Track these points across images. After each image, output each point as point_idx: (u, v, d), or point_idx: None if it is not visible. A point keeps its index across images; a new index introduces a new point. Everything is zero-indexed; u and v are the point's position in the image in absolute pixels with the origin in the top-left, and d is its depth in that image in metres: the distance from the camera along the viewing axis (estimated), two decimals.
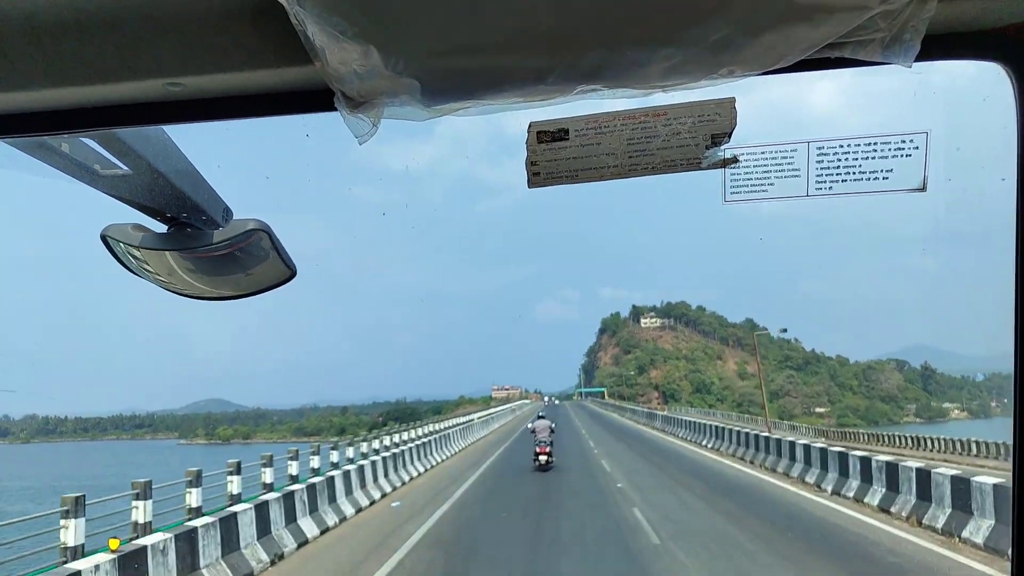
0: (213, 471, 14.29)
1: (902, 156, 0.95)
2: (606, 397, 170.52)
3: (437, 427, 32.90)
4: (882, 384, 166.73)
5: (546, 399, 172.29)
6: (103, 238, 1.30)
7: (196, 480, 12.63)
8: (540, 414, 28.20)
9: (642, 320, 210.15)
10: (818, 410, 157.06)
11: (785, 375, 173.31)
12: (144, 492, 11.14)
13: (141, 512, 10.99)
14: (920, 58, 0.84)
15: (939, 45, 0.90)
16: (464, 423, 40.52)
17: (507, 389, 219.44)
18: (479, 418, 48.25)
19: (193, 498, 12.45)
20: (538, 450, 24.35)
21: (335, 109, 0.95)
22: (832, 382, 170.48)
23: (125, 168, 1.22)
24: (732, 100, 0.96)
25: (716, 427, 34.62)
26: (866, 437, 44.73)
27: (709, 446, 33.07)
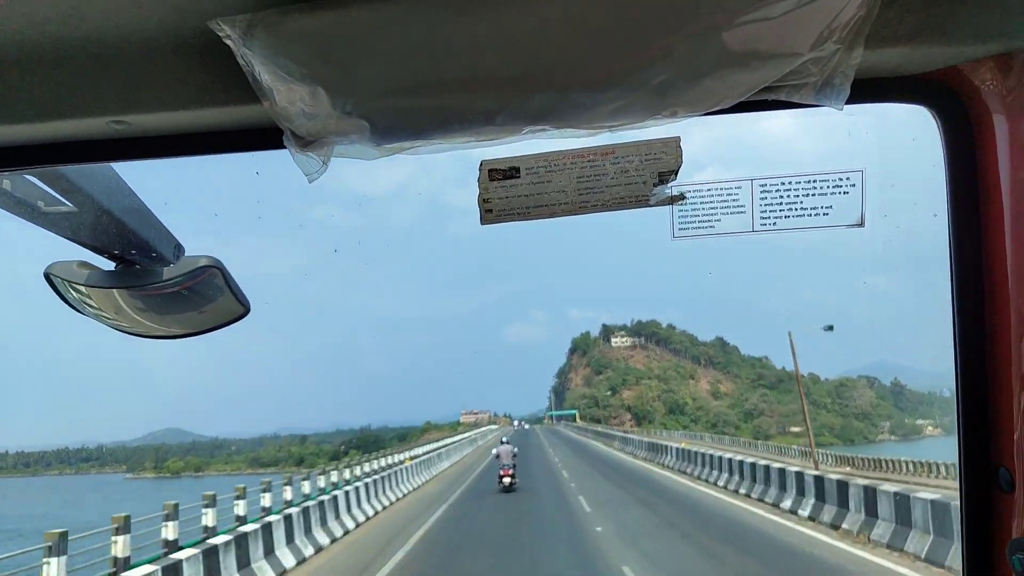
0: (152, 512, 12.83)
1: (840, 193, 1.02)
2: (577, 420, 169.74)
3: (393, 460, 30.31)
4: (855, 401, 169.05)
5: (515, 423, 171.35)
6: (46, 276, 1.30)
7: (124, 526, 11.31)
8: (504, 440, 31.04)
9: (613, 339, 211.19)
10: (793, 429, 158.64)
11: (759, 394, 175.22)
12: (57, 547, 9.86)
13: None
14: (851, 101, 0.91)
15: (868, 89, 0.97)
16: (424, 454, 36.43)
17: (476, 413, 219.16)
18: (435, 451, 40.56)
19: (119, 547, 11.13)
20: (502, 472, 27.23)
21: (284, 147, 0.98)
22: (805, 400, 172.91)
23: (70, 205, 1.22)
24: (677, 139, 1.02)
25: (733, 461, 25.76)
26: (873, 463, 39.06)
27: (727, 487, 24.70)
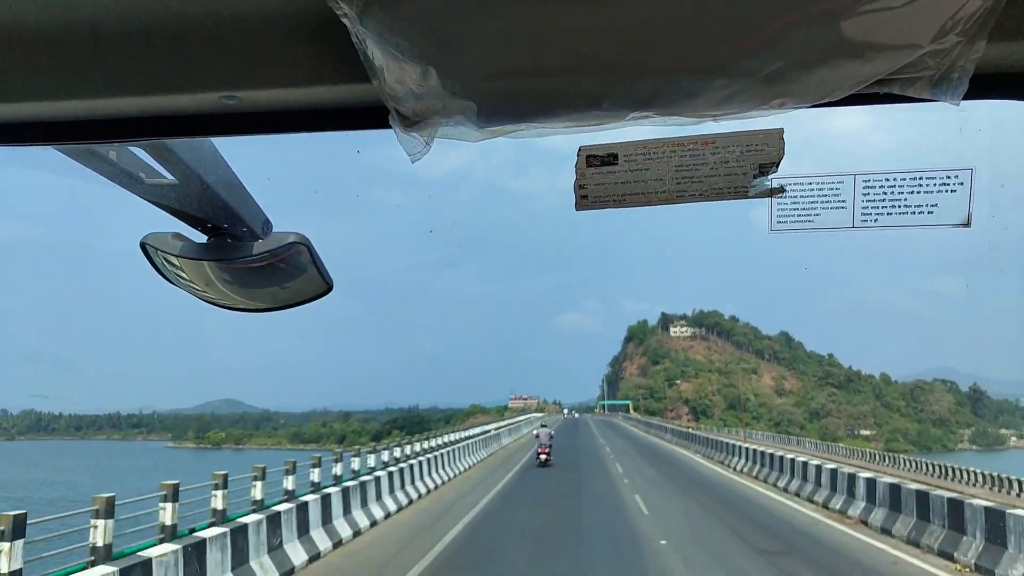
0: (188, 484, 12.79)
1: (947, 191, 1.04)
2: (631, 411, 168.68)
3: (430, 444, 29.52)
4: (931, 406, 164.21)
5: (565, 411, 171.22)
6: (142, 246, 1.40)
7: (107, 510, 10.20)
8: (542, 424, 42.76)
9: (672, 329, 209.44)
10: (863, 432, 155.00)
11: (827, 393, 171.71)
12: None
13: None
14: (968, 96, 0.92)
15: (986, 84, 0.98)
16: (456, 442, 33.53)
17: (525, 399, 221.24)
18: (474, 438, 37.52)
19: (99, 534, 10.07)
20: (539, 450, 34.80)
21: (389, 127, 1.04)
22: (877, 402, 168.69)
23: (170, 177, 1.31)
24: (780, 131, 1.05)
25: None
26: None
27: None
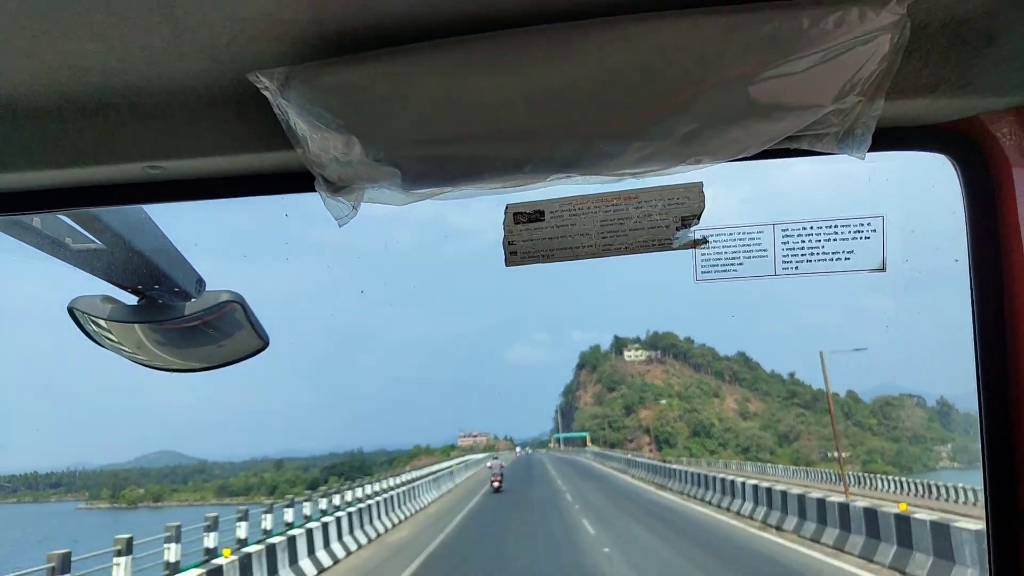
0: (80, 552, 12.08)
1: (861, 238, 1.17)
2: (588, 444, 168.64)
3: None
4: (904, 422, 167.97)
5: (518, 449, 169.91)
6: (70, 310, 1.46)
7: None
8: (494, 456, 56.12)
9: (626, 353, 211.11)
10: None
11: (794, 414, 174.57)
12: None
13: None
14: (872, 149, 1.06)
15: (889, 138, 1.13)
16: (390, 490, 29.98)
17: (475, 436, 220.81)
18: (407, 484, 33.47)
19: None
20: (493, 479, 43.80)
21: (315, 191, 1.13)
22: (848, 421, 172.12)
23: (98, 243, 1.38)
24: (700, 184, 1.18)
25: None
26: None
27: None
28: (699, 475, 35.72)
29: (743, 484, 27.81)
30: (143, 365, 1.59)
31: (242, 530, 17.38)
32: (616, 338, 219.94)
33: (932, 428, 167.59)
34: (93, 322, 1.48)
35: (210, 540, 15.73)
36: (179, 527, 14.51)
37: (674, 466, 46.25)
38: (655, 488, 42.07)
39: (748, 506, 26.34)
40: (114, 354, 1.57)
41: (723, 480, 30.59)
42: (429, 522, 28.54)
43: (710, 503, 30.79)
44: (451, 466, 56.17)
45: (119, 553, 12.68)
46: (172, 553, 14.03)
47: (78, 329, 1.51)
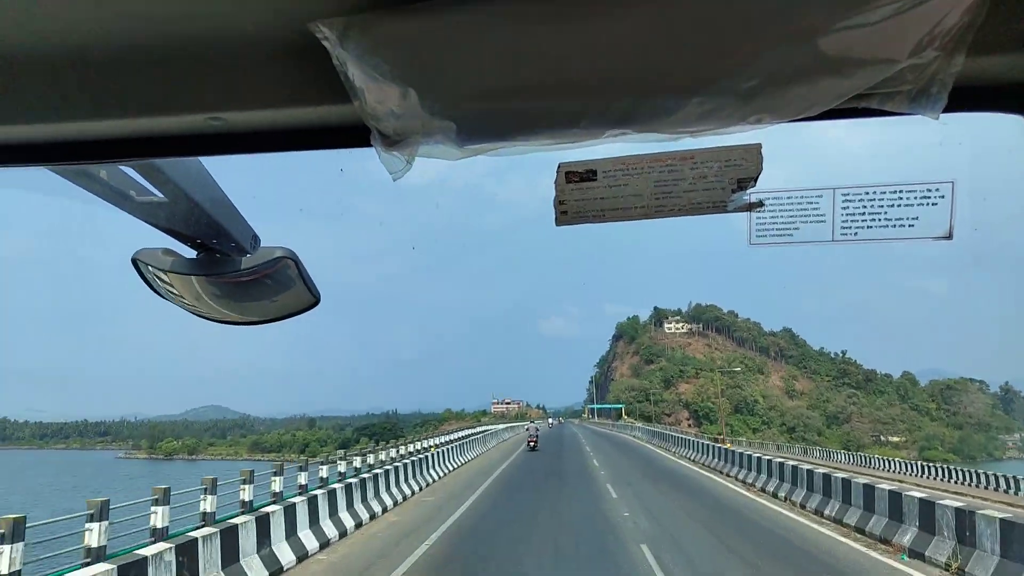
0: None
1: (928, 204, 1.18)
2: (624, 416, 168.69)
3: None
4: (965, 408, 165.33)
5: (549, 420, 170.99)
6: (134, 261, 1.56)
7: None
8: (531, 421, 75.04)
9: (667, 325, 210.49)
10: (892, 439, 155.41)
11: (846, 395, 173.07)
12: None
13: None
14: (947, 110, 1.03)
15: (966, 98, 1.10)
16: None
17: (507, 403, 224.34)
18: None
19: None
20: (529, 440, 57.05)
21: (370, 145, 1.17)
22: (904, 404, 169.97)
23: (160, 195, 1.46)
24: (759, 146, 1.20)
25: None
26: None
27: None
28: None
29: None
30: (201, 317, 1.68)
31: (277, 484, 18.14)
32: (656, 309, 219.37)
33: (995, 416, 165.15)
34: (155, 274, 1.57)
35: (246, 493, 16.48)
36: (215, 480, 15.26)
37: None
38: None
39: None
40: (173, 307, 1.67)
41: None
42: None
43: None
44: (470, 435, 56.22)
45: (156, 502, 13.22)
46: (208, 504, 14.73)
47: (141, 280, 1.60)
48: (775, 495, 26.84)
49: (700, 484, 32.37)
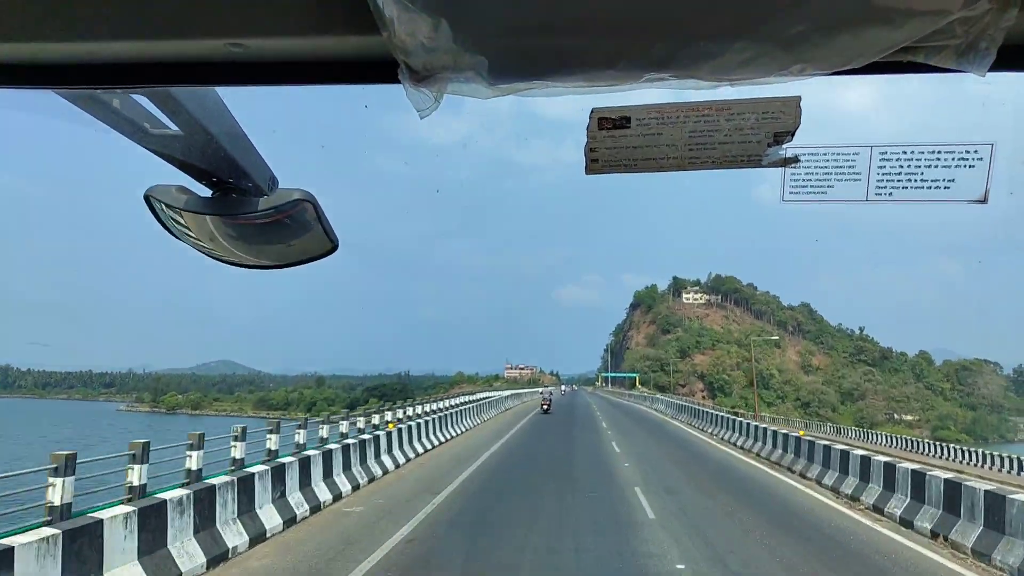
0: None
1: (965, 166, 1.16)
2: (638, 386, 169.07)
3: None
4: (980, 389, 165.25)
5: (563, 387, 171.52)
6: (146, 198, 1.52)
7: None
8: (545, 386, 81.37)
9: (684, 295, 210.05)
10: (906, 417, 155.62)
11: (861, 372, 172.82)
12: None
13: None
14: (994, 68, 1.01)
15: (1015, 56, 1.07)
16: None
17: (520, 368, 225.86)
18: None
19: None
20: (543, 403, 62.88)
21: (398, 81, 1.15)
22: (919, 383, 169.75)
23: (175, 128, 1.42)
24: (797, 98, 1.17)
25: None
26: None
27: None
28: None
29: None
30: (215, 259, 1.65)
31: (273, 442, 17.56)
32: (675, 279, 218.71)
33: (1008, 397, 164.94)
34: (169, 212, 1.53)
35: (237, 451, 15.84)
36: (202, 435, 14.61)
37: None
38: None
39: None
40: (186, 253, 1.64)
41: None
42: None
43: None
44: (494, 396, 62.51)
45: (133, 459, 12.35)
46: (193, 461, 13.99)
47: (153, 218, 1.57)
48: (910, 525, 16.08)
49: (785, 500, 20.12)
